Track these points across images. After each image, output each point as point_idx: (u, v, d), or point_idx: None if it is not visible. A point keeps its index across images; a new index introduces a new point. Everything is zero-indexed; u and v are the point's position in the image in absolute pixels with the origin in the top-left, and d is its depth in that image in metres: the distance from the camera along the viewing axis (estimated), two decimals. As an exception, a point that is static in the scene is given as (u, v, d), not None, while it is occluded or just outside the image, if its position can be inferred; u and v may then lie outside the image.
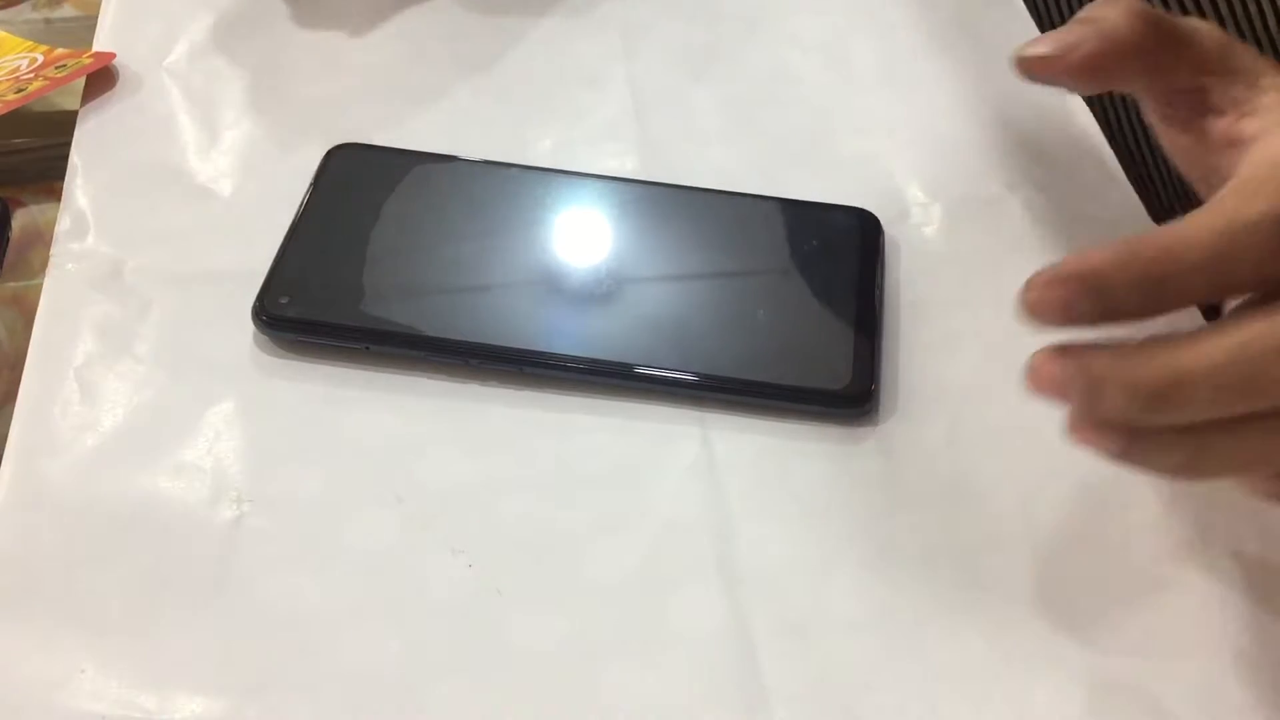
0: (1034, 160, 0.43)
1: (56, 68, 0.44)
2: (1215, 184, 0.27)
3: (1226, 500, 0.34)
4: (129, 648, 0.30)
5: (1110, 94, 0.52)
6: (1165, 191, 0.52)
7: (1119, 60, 0.29)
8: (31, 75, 0.43)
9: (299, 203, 0.39)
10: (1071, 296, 0.25)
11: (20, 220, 0.45)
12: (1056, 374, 0.25)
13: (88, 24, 0.47)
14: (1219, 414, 0.25)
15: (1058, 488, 0.34)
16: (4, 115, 0.41)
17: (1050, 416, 0.35)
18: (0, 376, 0.40)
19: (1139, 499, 0.33)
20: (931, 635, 0.31)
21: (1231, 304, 0.27)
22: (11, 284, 0.42)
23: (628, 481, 0.34)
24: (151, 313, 0.37)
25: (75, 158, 0.41)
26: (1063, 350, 0.25)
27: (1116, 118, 0.53)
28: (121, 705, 0.29)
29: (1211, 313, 0.30)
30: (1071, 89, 0.33)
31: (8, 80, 0.44)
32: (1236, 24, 0.47)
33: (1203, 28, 0.30)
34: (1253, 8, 0.47)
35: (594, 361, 0.35)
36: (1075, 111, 0.45)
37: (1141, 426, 0.25)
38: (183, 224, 0.40)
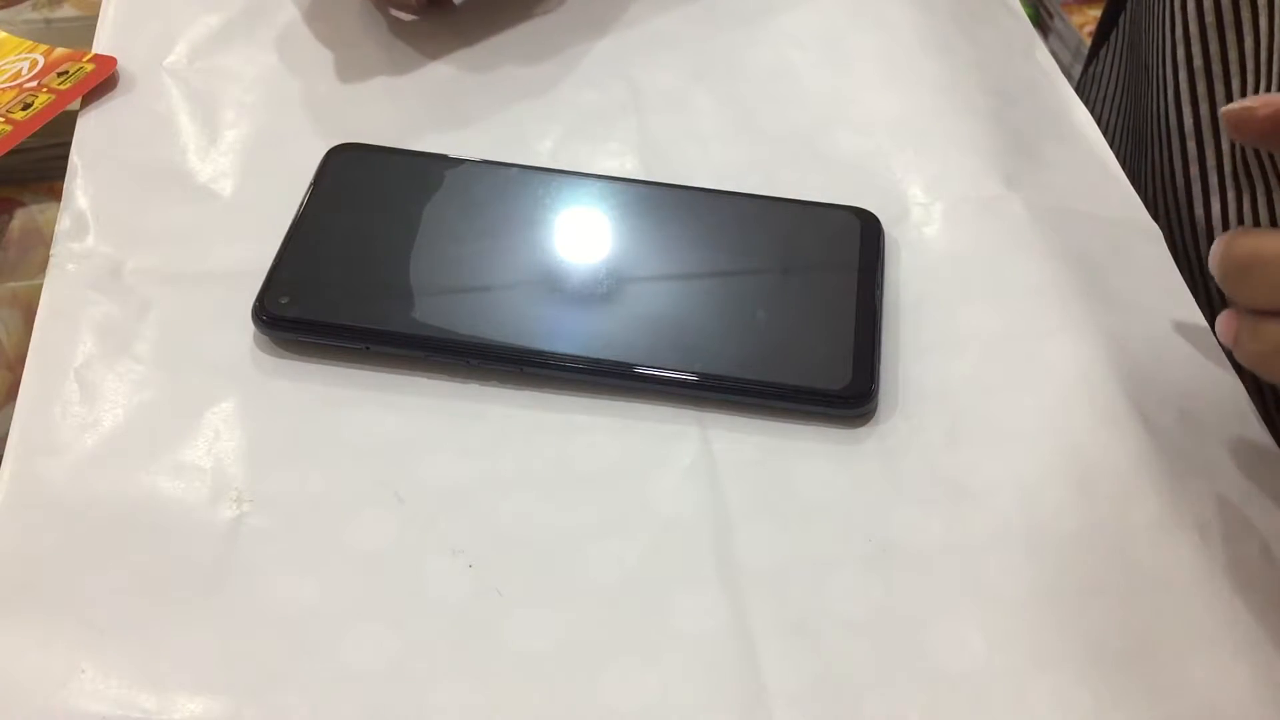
0: (1034, 160, 0.43)
1: (59, 74, 0.43)
2: None
3: (1227, 500, 0.34)
4: (129, 648, 0.30)
5: None
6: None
7: None
8: (35, 85, 0.43)
9: (299, 203, 0.39)
10: None
11: (20, 220, 0.45)
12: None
13: (88, 24, 0.47)
14: None
15: (1058, 488, 0.34)
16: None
17: (1050, 416, 0.36)
18: (0, 377, 0.40)
19: (1139, 499, 0.34)
20: (931, 635, 0.31)
21: None
22: (11, 284, 0.42)
23: (627, 481, 0.34)
24: (151, 313, 0.37)
25: (75, 158, 0.41)
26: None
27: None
28: (121, 705, 0.29)
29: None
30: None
31: (11, 88, 0.44)
32: None
33: None
34: None
35: (594, 361, 0.35)
36: (1075, 111, 0.46)
37: (1248, 315, 0.30)
38: (183, 224, 0.40)
